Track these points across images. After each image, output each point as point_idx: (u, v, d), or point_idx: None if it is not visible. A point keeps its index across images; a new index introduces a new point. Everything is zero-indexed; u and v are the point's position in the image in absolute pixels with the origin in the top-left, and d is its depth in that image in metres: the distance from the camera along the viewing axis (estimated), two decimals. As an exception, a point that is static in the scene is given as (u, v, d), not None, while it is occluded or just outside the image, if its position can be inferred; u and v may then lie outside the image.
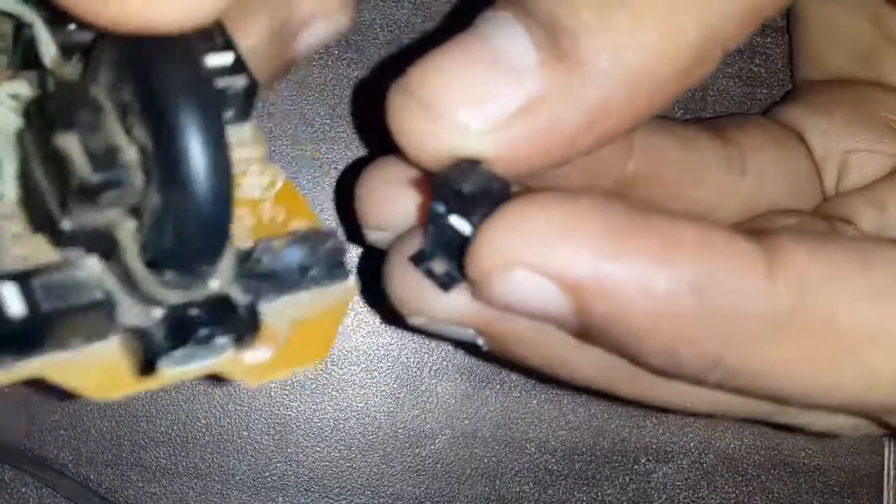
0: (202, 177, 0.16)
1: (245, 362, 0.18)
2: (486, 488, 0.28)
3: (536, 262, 0.16)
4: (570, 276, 0.16)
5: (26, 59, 0.18)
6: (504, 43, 0.17)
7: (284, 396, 0.28)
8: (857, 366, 0.18)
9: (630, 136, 0.23)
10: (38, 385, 0.18)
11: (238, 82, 0.19)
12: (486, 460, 0.28)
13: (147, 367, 0.17)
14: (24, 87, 0.18)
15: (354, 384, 0.28)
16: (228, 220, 0.17)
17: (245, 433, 0.28)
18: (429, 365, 0.28)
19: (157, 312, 0.17)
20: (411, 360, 0.28)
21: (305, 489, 0.28)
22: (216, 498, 0.28)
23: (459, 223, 0.17)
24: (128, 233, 0.17)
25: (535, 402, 0.28)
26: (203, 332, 0.17)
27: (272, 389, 0.28)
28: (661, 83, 0.17)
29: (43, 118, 0.17)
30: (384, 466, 0.28)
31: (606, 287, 0.16)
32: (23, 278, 0.16)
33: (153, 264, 0.17)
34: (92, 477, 0.27)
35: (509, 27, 0.17)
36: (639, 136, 0.23)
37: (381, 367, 0.28)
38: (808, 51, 0.27)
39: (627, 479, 0.29)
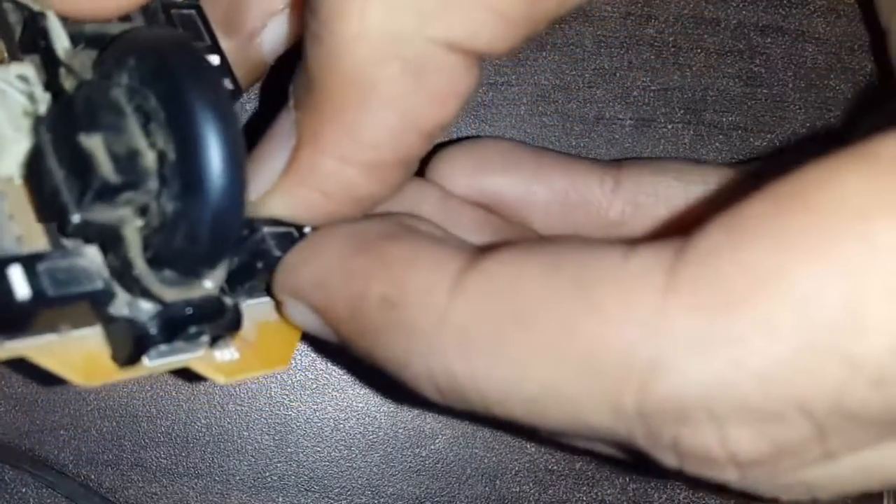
0: (222, 192, 0.17)
1: (216, 360, 0.19)
2: (486, 488, 0.28)
3: (290, 292, 0.19)
4: (304, 302, 0.19)
5: (27, 43, 0.18)
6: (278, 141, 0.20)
7: (284, 396, 0.28)
8: (549, 367, 0.16)
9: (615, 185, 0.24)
10: (20, 366, 0.18)
11: (225, 85, 0.20)
12: (486, 460, 0.28)
13: (133, 357, 0.18)
14: (30, 70, 0.18)
15: (354, 384, 0.28)
16: (238, 230, 0.18)
17: (245, 433, 0.28)
18: (429, 365, 0.28)
19: (149, 306, 0.18)
20: (411, 360, 0.28)
21: (305, 489, 0.28)
22: (216, 498, 0.28)
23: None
24: (133, 230, 0.17)
25: (535, 402, 0.28)
26: (194, 329, 0.18)
27: (272, 389, 0.28)
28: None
29: (65, 115, 0.17)
30: (384, 466, 0.28)
31: (326, 307, 0.19)
32: (29, 262, 0.17)
33: (154, 262, 0.17)
34: (92, 477, 0.27)
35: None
36: (628, 182, 0.24)
37: (382, 367, 0.28)
38: None
39: (627, 479, 0.29)
